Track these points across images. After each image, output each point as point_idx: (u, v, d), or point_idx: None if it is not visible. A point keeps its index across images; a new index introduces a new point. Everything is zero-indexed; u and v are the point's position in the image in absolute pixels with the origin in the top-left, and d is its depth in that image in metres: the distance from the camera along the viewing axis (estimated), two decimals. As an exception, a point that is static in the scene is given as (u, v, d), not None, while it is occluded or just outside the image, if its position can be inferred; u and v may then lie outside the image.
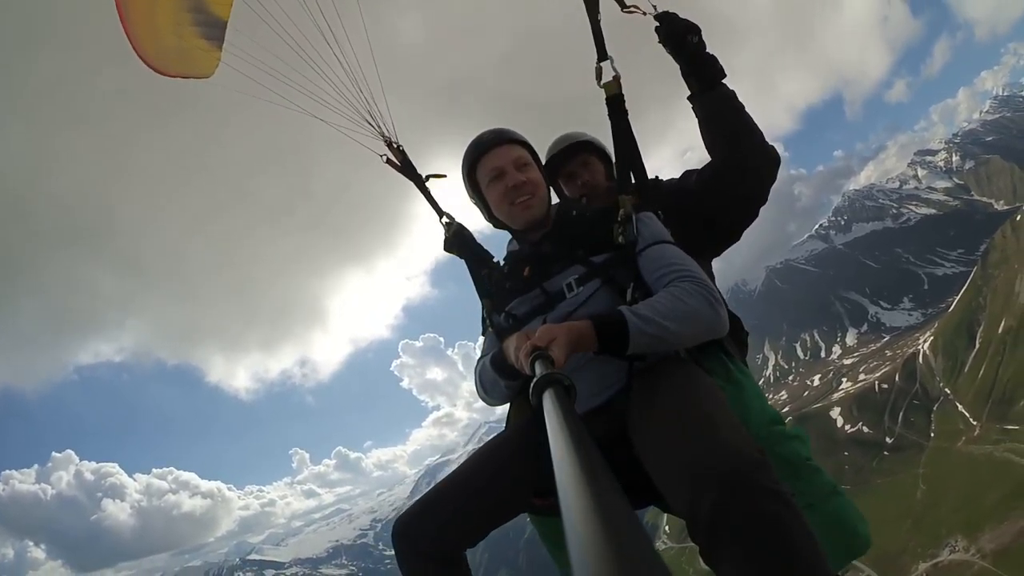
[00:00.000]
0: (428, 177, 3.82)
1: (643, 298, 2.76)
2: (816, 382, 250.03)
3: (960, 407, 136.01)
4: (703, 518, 1.91)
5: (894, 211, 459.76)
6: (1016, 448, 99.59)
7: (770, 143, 3.46)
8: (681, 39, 3.32)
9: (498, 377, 3.01)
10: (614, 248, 2.99)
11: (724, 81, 3.38)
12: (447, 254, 3.62)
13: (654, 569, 0.66)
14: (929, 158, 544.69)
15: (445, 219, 3.67)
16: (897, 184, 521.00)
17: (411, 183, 3.79)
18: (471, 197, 3.40)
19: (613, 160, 3.47)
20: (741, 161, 3.38)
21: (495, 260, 3.51)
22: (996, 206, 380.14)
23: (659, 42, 3.39)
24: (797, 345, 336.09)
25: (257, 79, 3.62)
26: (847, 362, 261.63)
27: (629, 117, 3.41)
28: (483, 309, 3.41)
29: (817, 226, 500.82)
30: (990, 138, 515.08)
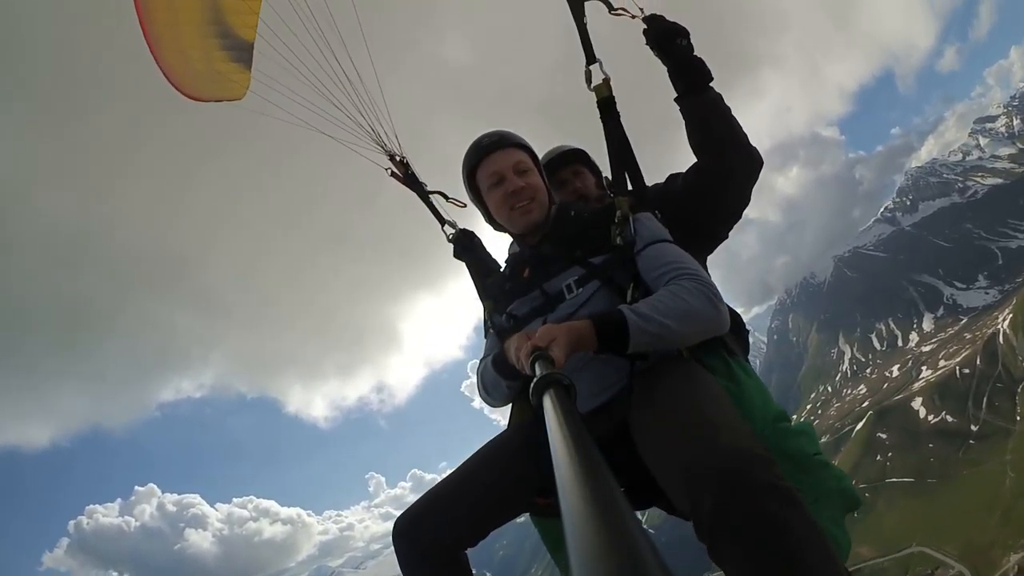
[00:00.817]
0: (437, 192, 3.96)
1: (643, 298, 2.77)
2: (895, 373, 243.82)
3: None
4: (706, 517, 1.91)
5: (960, 185, 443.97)
6: None
7: (753, 145, 3.50)
8: (669, 42, 3.36)
9: (499, 377, 3.07)
10: (612, 249, 3.04)
11: (711, 84, 3.43)
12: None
13: (654, 570, 0.66)
14: (989, 125, 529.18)
15: (448, 228, 3.90)
16: (960, 156, 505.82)
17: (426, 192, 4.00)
18: (472, 200, 3.49)
19: (609, 166, 3.55)
20: (727, 167, 3.44)
21: (499, 267, 3.73)
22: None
23: (647, 44, 3.43)
24: (872, 336, 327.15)
25: (267, 98, 3.86)
26: (926, 349, 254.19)
27: (622, 119, 3.52)
28: (484, 311, 3.52)
29: (882, 209, 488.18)
30: None
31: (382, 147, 3.89)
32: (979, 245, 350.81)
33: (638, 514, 2.71)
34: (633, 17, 3.37)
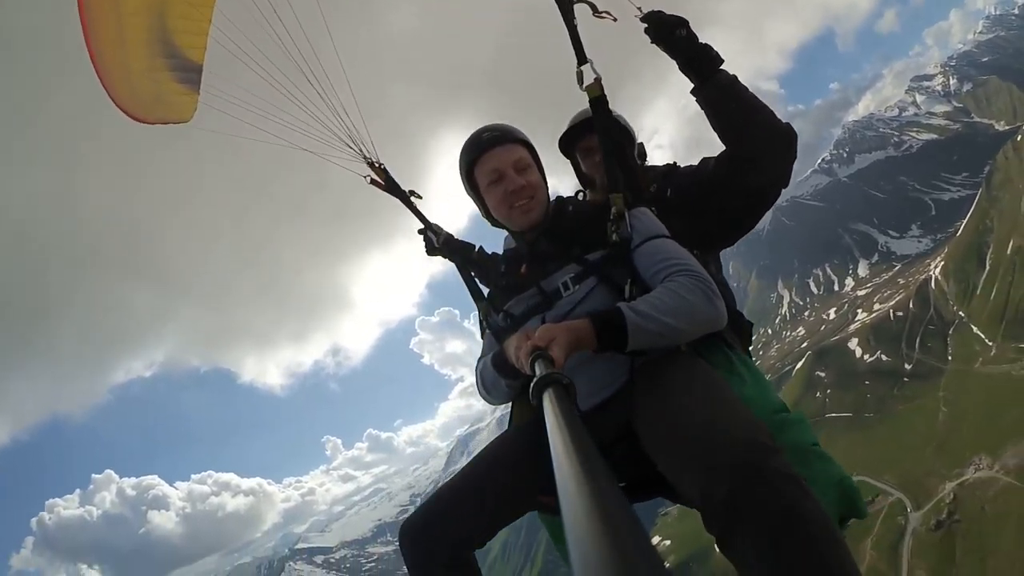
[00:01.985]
0: (411, 192, 3.92)
1: (641, 294, 2.77)
2: (832, 315, 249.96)
3: (975, 329, 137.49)
4: (718, 507, 1.93)
5: (895, 139, 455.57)
6: None
7: (783, 121, 3.39)
8: (670, 35, 3.29)
9: (499, 377, 3.05)
10: (609, 246, 3.03)
11: (723, 68, 3.35)
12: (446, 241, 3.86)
13: (652, 566, 0.66)
14: (926, 83, 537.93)
15: (431, 232, 3.85)
16: (896, 112, 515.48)
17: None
18: (469, 195, 3.42)
19: (603, 165, 3.40)
20: (751, 151, 3.36)
21: (483, 251, 3.78)
22: (997, 127, 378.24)
23: (651, 42, 3.36)
24: (810, 281, 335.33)
25: (233, 114, 3.70)
26: (861, 293, 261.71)
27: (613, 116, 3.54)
28: (479, 312, 3.51)
29: (820, 160, 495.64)
30: (986, 59, 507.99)
31: (360, 155, 3.84)
32: (913, 197, 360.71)
33: (643, 505, 2.93)
34: (615, 20, 3.29)
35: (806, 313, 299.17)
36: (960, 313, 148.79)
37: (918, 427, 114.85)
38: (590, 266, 2.98)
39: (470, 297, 3.58)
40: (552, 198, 3.41)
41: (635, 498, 2.91)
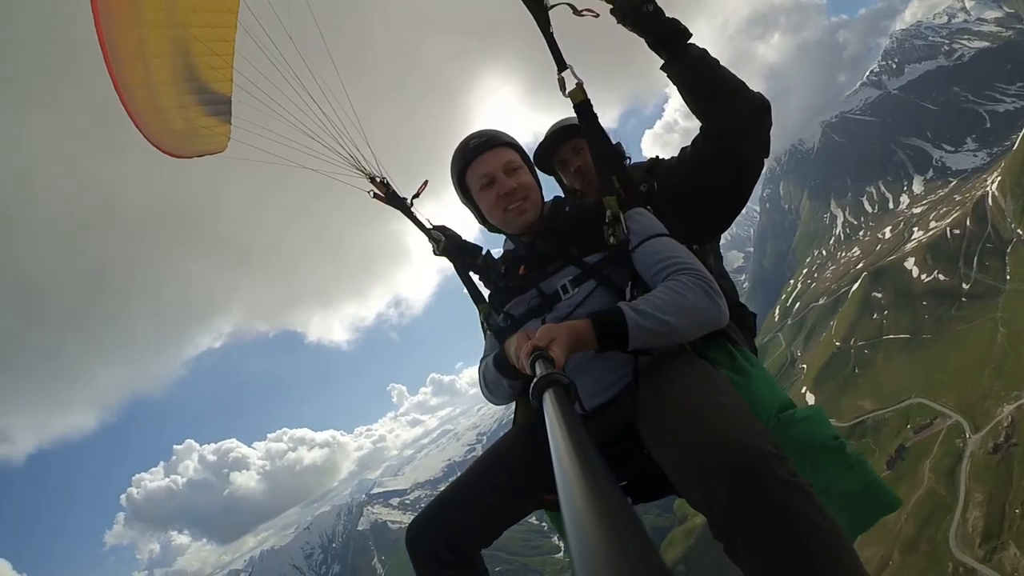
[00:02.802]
0: (413, 199, 3.87)
1: (642, 295, 2.73)
2: (888, 235, 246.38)
3: None
4: (719, 513, 1.91)
5: (946, 48, 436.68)
6: None
7: (754, 90, 3.29)
8: (636, 11, 3.17)
9: (500, 377, 3.04)
10: (607, 248, 3.01)
11: (692, 42, 3.23)
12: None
13: (651, 565, 0.66)
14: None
15: (432, 239, 3.73)
16: (945, 19, 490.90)
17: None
18: (464, 203, 3.42)
19: (594, 169, 3.33)
20: (731, 120, 3.27)
21: (484, 253, 3.66)
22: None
23: (618, 23, 3.25)
24: (864, 199, 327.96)
25: (246, 141, 3.86)
26: (916, 211, 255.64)
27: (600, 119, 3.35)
28: (480, 314, 3.52)
29: (868, 73, 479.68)
30: None
31: (362, 171, 3.89)
32: (967, 108, 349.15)
33: (647, 505, 3.06)
34: (596, 16, 3.22)
35: (861, 233, 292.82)
36: (1018, 231, 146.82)
37: (976, 348, 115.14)
38: (589, 268, 2.99)
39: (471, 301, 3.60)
40: (550, 198, 3.46)
41: (642, 498, 2.98)
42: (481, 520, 2.79)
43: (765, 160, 3.46)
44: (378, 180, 3.90)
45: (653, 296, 2.65)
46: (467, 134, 3.35)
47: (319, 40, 4.01)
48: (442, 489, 2.94)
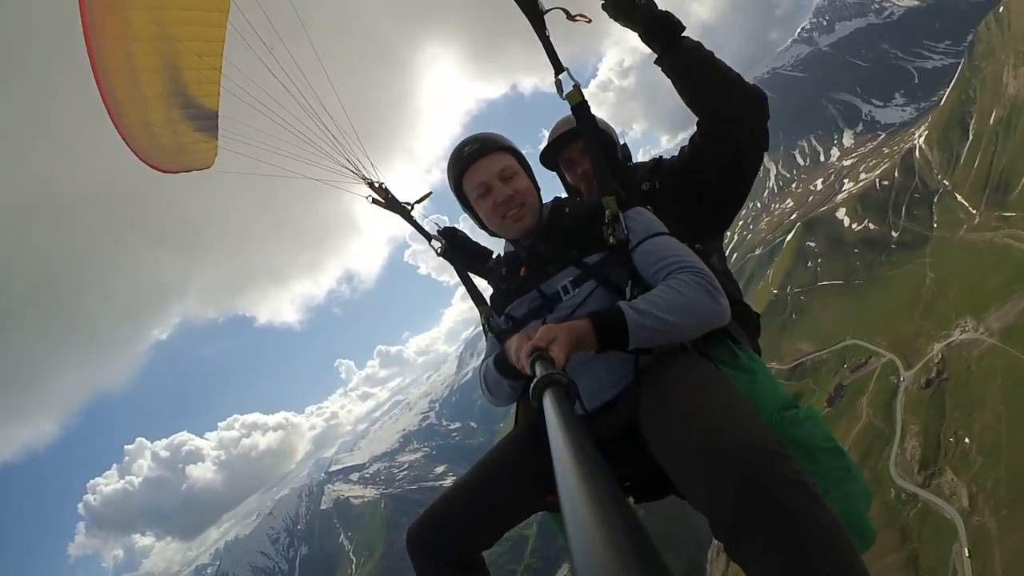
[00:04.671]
0: (413, 205, 3.85)
1: (642, 294, 2.67)
2: (819, 186, 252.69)
3: (959, 197, 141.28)
4: (726, 514, 1.88)
5: (876, 6, 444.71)
6: (1014, 234, 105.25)
7: (749, 82, 3.22)
8: (630, 6, 3.13)
9: (501, 377, 3.01)
10: (606, 248, 2.96)
11: (685, 35, 3.15)
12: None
13: (651, 566, 0.66)
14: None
15: (436, 243, 3.70)
16: None
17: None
18: (463, 209, 3.38)
19: (592, 169, 3.33)
20: (729, 110, 3.20)
21: (494, 257, 3.63)
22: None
23: (611, 18, 3.21)
24: (796, 153, 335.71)
25: (233, 149, 3.80)
26: (847, 163, 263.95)
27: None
28: (480, 315, 3.48)
29: (799, 30, 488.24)
30: None
31: (360, 177, 3.81)
32: (895, 64, 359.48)
33: (647, 505, 3.04)
34: (589, 22, 3.12)
35: (793, 185, 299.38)
36: (944, 182, 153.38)
37: (906, 292, 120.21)
38: (589, 269, 2.94)
39: (472, 302, 3.58)
40: (550, 198, 3.45)
41: (646, 497, 3.01)
42: (483, 521, 2.80)
43: (765, 153, 3.47)
44: (377, 186, 3.90)
45: (653, 295, 2.62)
46: (461, 138, 3.36)
47: (308, 45, 4.04)
48: (444, 490, 2.97)
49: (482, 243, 3.78)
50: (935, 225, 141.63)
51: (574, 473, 0.89)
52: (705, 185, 3.45)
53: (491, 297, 3.44)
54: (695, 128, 3.42)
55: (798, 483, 1.89)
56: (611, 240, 2.94)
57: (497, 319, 3.26)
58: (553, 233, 3.15)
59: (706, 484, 1.98)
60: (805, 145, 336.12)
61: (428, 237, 3.76)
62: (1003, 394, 77.60)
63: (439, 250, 3.71)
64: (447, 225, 3.86)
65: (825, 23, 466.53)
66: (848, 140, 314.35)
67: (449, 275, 3.63)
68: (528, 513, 2.91)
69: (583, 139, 3.38)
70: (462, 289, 3.60)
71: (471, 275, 3.64)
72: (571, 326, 2.43)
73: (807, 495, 1.87)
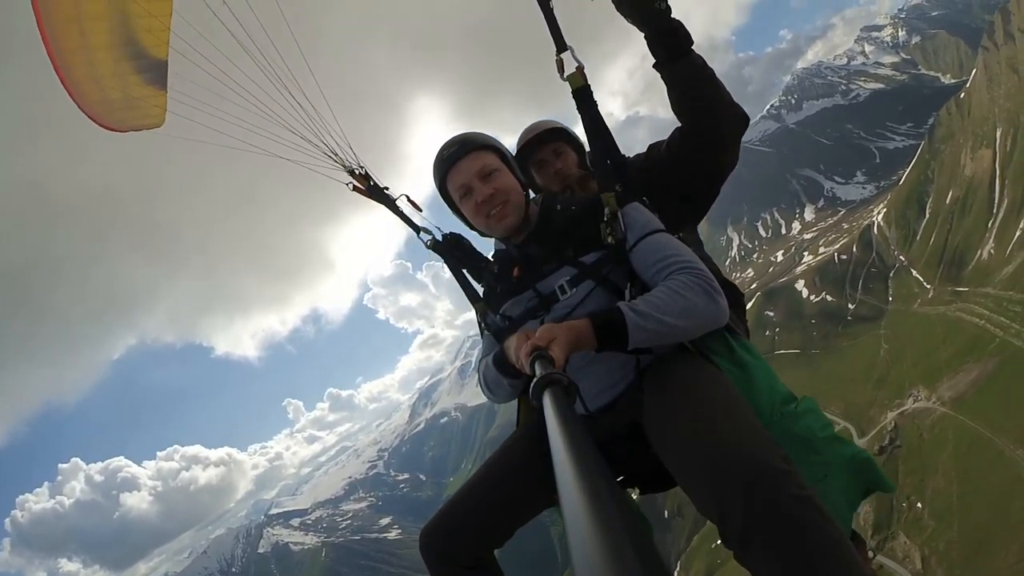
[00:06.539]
0: (400, 196, 3.67)
1: (641, 295, 2.66)
2: (779, 258, 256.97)
3: (914, 273, 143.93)
4: (734, 527, 1.93)
5: (843, 88, 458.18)
6: (967, 308, 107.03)
7: (737, 103, 3.23)
8: (648, 6, 2.97)
9: (501, 376, 2.98)
10: (604, 247, 2.91)
11: (693, 48, 3.08)
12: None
13: (649, 566, 0.66)
14: (875, 34, 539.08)
15: (424, 235, 3.57)
16: (845, 60, 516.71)
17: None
18: (451, 212, 3.33)
19: (590, 160, 3.32)
20: (720, 130, 3.22)
21: (486, 260, 3.46)
22: (943, 80, 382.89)
23: (623, 15, 3.06)
24: (759, 224, 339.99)
25: (208, 125, 3.52)
26: (807, 237, 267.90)
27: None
28: (476, 313, 3.43)
29: (768, 107, 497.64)
30: (935, 13, 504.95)
31: (339, 162, 3.63)
32: (858, 144, 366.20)
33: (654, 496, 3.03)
34: (593, 0, 3.03)
35: (755, 256, 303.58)
36: (900, 257, 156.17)
37: (861, 362, 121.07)
38: (586, 269, 2.90)
39: (466, 298, 3.49)
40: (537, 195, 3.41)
41: (651, 488, 3.10)
42: (493, 521, 2.81)
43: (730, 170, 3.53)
44: (357, 172, 3.70)
45: (653, 296, 2.59)
46: (443, 142, 3.27)
47: (284, 24, 3.74)
48: (453, 492, 2.97)
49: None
50: (891, 298, 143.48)
51: (572, 472, 0.90)
52: (680, 188, 3.50)
53: (484, 295, 3.39)
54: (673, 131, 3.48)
55: (803, 499, 1.92)
56: (609, 239, 2.90)
57: (493, 318, 3.23)
58: (546, 232, 3.11)
59: (713, 496, 2.01)
60: (768, 218, 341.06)
61: (416, 229, 3.61)
62: (954, 460, 77.77)
63: (428, 243, 3.56)
64: (453, 231, 3.60)
65: (793, 101, 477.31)
66: (809, 214, 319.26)
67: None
68: (537, 511, 2.91)
69: (584, 128, 3.24)
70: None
71: (464, 271, 3.53)
72: (571, 326, 2.42)
73: (812, 509, 1.91)
